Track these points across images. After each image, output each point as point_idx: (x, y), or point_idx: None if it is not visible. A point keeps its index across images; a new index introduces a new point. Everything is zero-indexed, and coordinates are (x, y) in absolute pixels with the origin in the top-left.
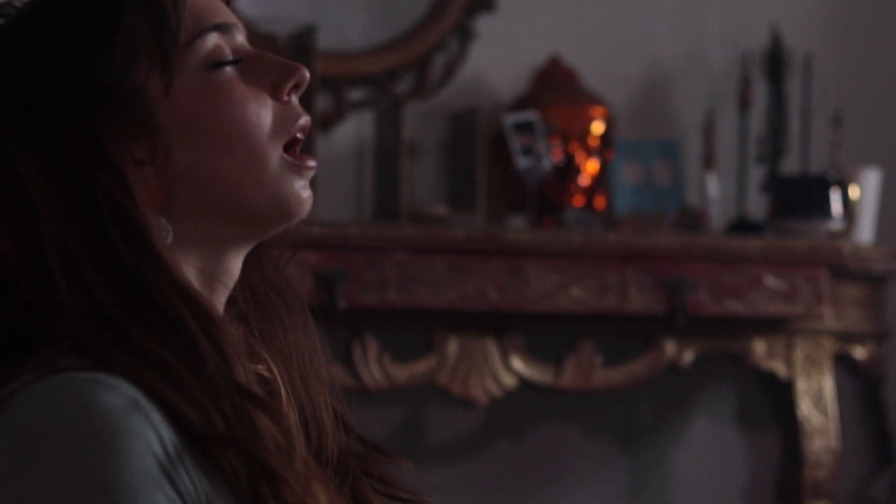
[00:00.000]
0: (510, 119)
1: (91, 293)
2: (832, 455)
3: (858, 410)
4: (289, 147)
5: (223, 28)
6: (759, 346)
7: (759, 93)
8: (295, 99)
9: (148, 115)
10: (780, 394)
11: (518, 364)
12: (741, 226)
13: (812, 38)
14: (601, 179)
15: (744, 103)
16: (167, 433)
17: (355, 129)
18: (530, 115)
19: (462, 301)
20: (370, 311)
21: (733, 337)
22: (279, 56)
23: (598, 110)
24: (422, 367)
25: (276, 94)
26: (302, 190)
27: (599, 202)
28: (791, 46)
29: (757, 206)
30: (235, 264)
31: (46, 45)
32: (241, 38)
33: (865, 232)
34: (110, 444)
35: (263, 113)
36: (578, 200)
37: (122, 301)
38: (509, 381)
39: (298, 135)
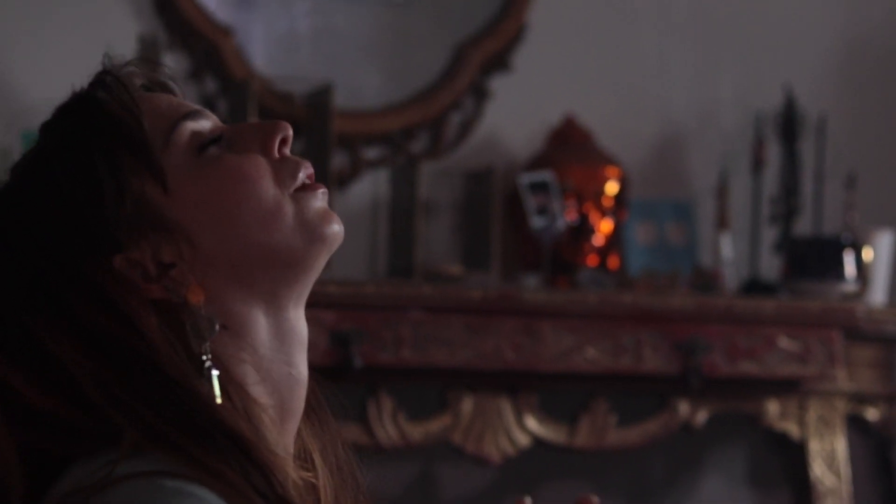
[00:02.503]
0: (525, 178)
1: (144, 420)
2: None
3: (870, 471)
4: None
5: (191, 115)
6: (773, 407)
7: (773, 154)
8: (287, 151)
9: (157, 218)
10: (793, 454)
11: (532, 423)
12: (755, 287)
13: (825, 99)
14: (615, 239)
15: (757, 164)
16: None
17: (371, 187)
18: (545, 175)
19: (477, 360)
20: (385, 369)
21: (747, 398)
22: (255, 121)
23: (612, 170)
24: (436, 425)
25: (267, 153)
26: (322, 207)
27: (613, 262)
28: (804, 108)
29: (770, 266)
30: (299, 319)
31: (36, 212)
32: (210, 121)
33: (879, 294)
34: None
35: (262, 171)
36: (592, 260)
37: (180, 432)
38: (523, 439)
39: (306, 181)
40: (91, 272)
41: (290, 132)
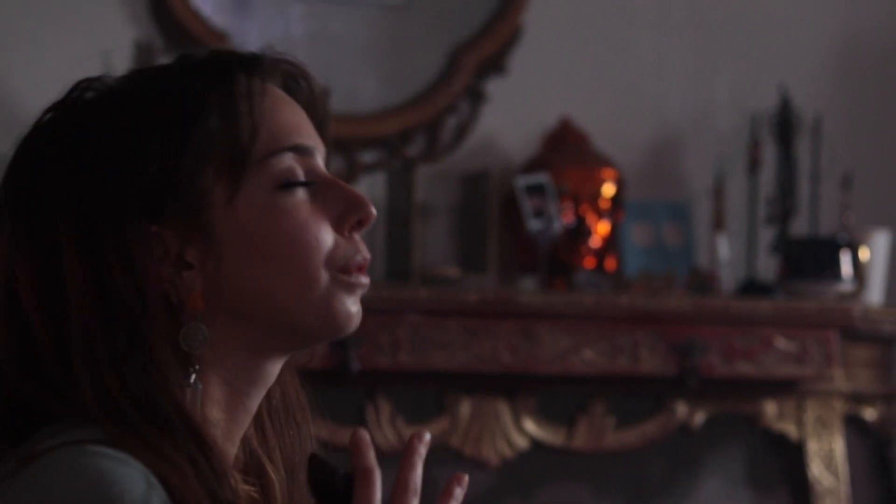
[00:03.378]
0: (521, 181)
1: (107, 391)
2: None
3: (868, 471)
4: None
5: (301, 150)
6: (770, 408)
7: (769, 155)
8: (357, 236)
9: (206, 222)
10: (791, 455)
11: (530, 426)
12: (751, 288)
13: (821, 100)
14: (611, 241)
15: (753, 165)
16: None
17: (367, 191)
18: (541, 178)
19: (475, 363)
20: (383, 372)
21: (744, 398)
22: (349, 187)
23: (608, 172)
24: (434, 428)
25: (338, 226)
26: (351, 306)
27: (610, 264)
28: (800, 108)
29: (766, 267)
30: (275, 368)
31: (119, 132)
32: (319, 160)
33: (875, 293)
34: None
35: (323, 241)
36: (589, 262)
37: (134, 404)
38: (521, 442)
39: (355, 269)
40: (131, 223)
41: (372, 217)
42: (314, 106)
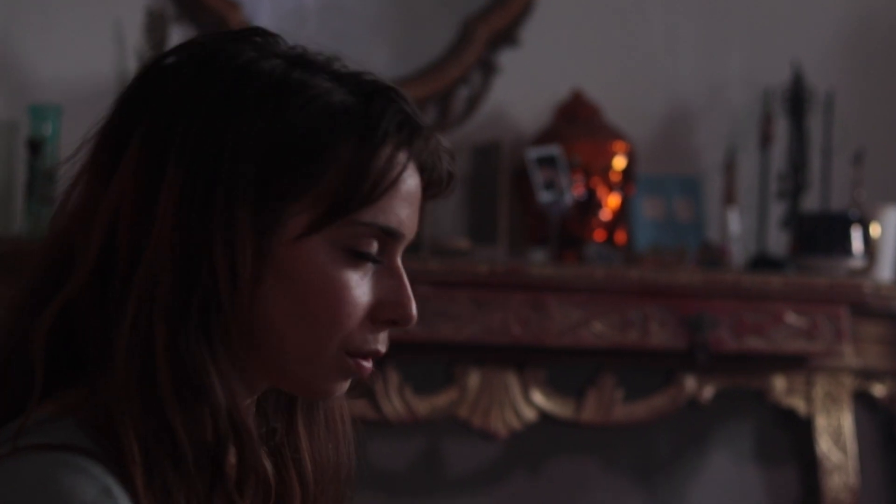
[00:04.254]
0: (532, 153)
1: (150, 346)
2: (850, 492)
3: (877, 447)
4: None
5: (391, 233)
6: (779, 383)
7: (781, 130)
8: (385, 330)
9: (271, 242)
10: (800, 430)
11: (539, 398)
12: (762, 262)
13: (833, 75)
14: (622, 214)
15: (765, 140)
16: None
17: None
18: (553, 150)
19: (484, 335)
20: (392, 343)
21: (753, 373)
22: (409, 284)
23: (620, 145)
24: (443, 399)
25: (374, 313)
26: (340, 387)
27: (620, 237)
28: (812, 84)
29: (777, 242)
30: (259, 386)
31: (275, 107)
32: (400, 246)
33: (886, 270)
34: None
35: (353, 321)
36: (599, 235)
37: (171, 371)
38: (530, 414)
39: (363, 360)
40: (244, 196)
41: (411, 323)
42: (435, 190)
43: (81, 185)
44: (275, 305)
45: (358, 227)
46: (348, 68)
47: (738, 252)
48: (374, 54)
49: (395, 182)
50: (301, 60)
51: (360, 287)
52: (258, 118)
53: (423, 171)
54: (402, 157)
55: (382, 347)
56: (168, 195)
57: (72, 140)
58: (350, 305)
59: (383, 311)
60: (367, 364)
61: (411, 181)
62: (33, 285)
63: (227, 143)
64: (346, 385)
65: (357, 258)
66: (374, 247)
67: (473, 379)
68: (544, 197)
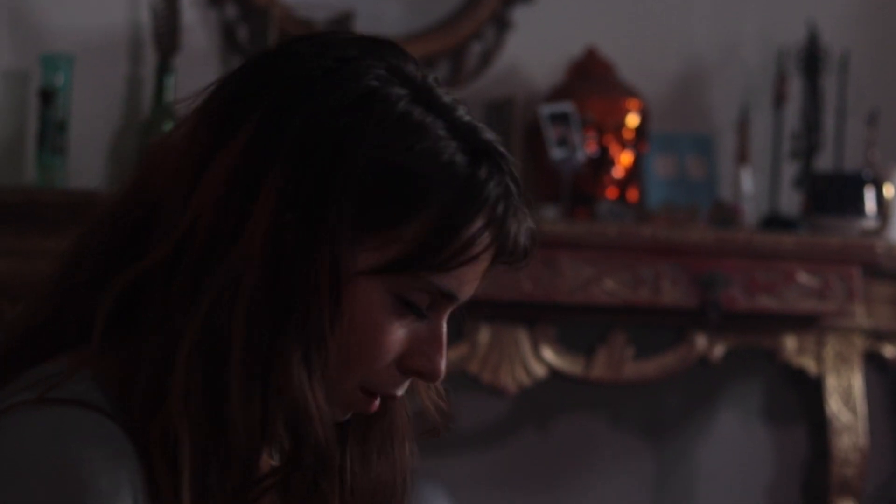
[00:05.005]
0: (545, 109)
1: (219, 347)
2: (860, 452)
3: (887, 408)
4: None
5: (448, 296)
6: (790, 343)
7: (795, 89)
8: (407, 378)
9: (325, 277)
10: (810, 390)
11: (549, 354)
12: (774, 222)
13: (848, 35)
14: (635, 172)
15: (779, 99)
16: (141, 497)
17: None
18: (566, 106)
19: (495, 291)
20: None
21: (764, 333)
22: (445, 343)
23: (633, 103)
24: (453, 354)
25: (402, 361)
26: (341, 417)
27: (632, 195)
28: (827, 44)
29: (790, 202)
30: None
31: (370, 140)
32: (451, 308)
33: None
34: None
35: (380, 365)
36: (612, 192)
37: (244, 372)
38: (539, 370)
39: (375, 399)
40: (342, 218)
41: (433, 381)
42: (503, 262)
43: (183, 143)
44: (330, 332)
45: (419, 282)
46: (469, 119)
47: (751, 211)
48: (387, 8)
49: (475, 258)
50: (426, 98)
51: (398, 334)
52: (371, 145)
53: (502, 250)
54: (488, 235)
55: (400, 393)
56: (269, 191)
57: (84, 90)
58: (384, 351)
59: (413, 362)
60: (376, 402)
61: (488, 255)
62: (104, 238)
63: (338, 160)
64: (345, 417)
65: (406, 308)
66: (427, 302)
67: (484, 335)
68: (557, 154)
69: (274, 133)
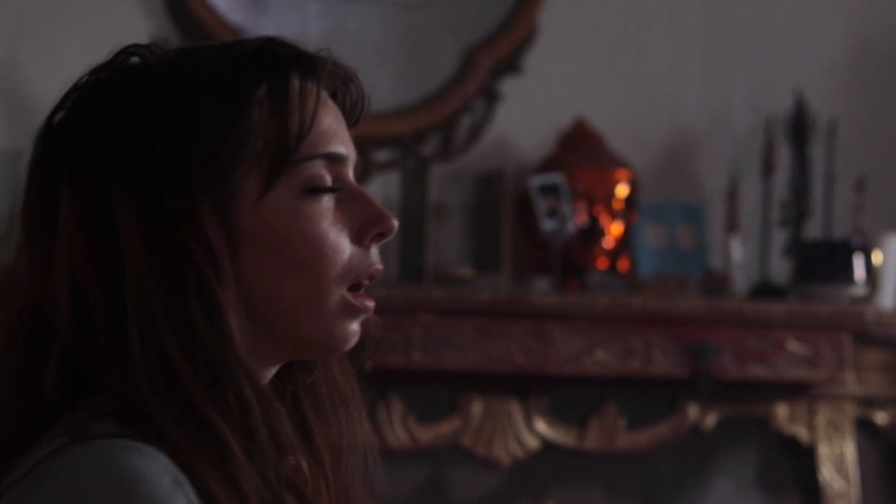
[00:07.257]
0: (535, 181)
1: (165, 355)
2: None
3: (879, 475)
4: (352, 288)
5: (334, 157)
6: (782, 411)
7: (783, 157)
8: (374, 248)
9: (233, 214)
10: (802, 458)
11: (542, 426)
12: (764, 290)
13: (836, 103)
14: (625, 242)
15: (768, 168)
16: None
17: (381, 190)
18: (556, 178)
19: (487, 363)
20: (396, 372)
21: (756, 401)
22: (374, 199)
23: (622, 173)
24: (446, 428)
25: (358, 238)
26: (353, 328)
27: (623, 265)
28: (815, 111)
29: (780, 270)
30: (267, 374)
31: (174, 101)
32: (349, 168)
33: (888, 297)
34: None
35: (340, 251)
36: (602, 263)
37: (193, 370)
38: (533, 442)
39: (366, 281)
40: (199, 193)
41: (393, 230)
42: (354, 112)
43: (24, 254)
44: (264, 272)
45: (304, 166)
46: (221, 40)
47: (741, 279)
48: (378, 82)
49: (317, 108)
50: (181, 52)
51: (331, 216)
52: (167, 116)
53: (336, 95)
54: (311, 86)
55: (380, 265)
56: (125, 223)
57: None
58: (330, 235)
59: (365, 230)
60: (370, 303)
61: (331, 104)
62: (14, 363)
63: (153, 151)
64: (357, 327)
65: (315, 194)
66: (327, 179)
67: (476, 407)
68: (547, 225)
69: (93, 176)
